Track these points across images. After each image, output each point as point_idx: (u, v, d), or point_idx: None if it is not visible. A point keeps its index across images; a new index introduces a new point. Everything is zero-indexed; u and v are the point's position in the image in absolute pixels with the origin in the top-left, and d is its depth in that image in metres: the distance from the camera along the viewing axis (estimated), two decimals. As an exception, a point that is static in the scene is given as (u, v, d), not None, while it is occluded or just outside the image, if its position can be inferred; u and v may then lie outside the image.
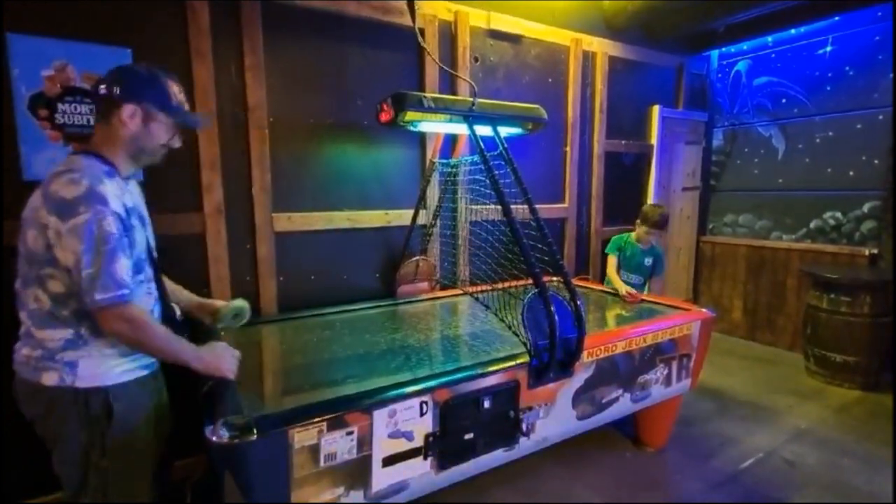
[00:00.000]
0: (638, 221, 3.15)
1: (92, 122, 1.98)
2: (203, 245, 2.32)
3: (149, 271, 1.43)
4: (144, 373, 1.42)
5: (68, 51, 1.95)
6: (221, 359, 1.45)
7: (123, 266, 1.24)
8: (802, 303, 3.85)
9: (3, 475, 2.02)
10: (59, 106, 1.96)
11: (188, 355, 1.37)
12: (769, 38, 4.19)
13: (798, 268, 4.04)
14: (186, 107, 1.43)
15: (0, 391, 1.91)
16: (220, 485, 1.43)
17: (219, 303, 1.78)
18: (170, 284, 1.67)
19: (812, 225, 4.05)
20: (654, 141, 4.15)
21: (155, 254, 1.50)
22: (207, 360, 1.41)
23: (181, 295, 1.75)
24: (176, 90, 1.39)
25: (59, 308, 1.28)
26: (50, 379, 1.29)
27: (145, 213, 1.50)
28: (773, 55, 4.21)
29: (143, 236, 1.40)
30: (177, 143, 1.44)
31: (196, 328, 1.74)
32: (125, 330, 1.26)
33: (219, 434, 1.25)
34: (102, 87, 1.31)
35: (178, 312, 1.60)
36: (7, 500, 2.03)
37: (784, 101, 4.16)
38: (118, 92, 1.30)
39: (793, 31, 4.00)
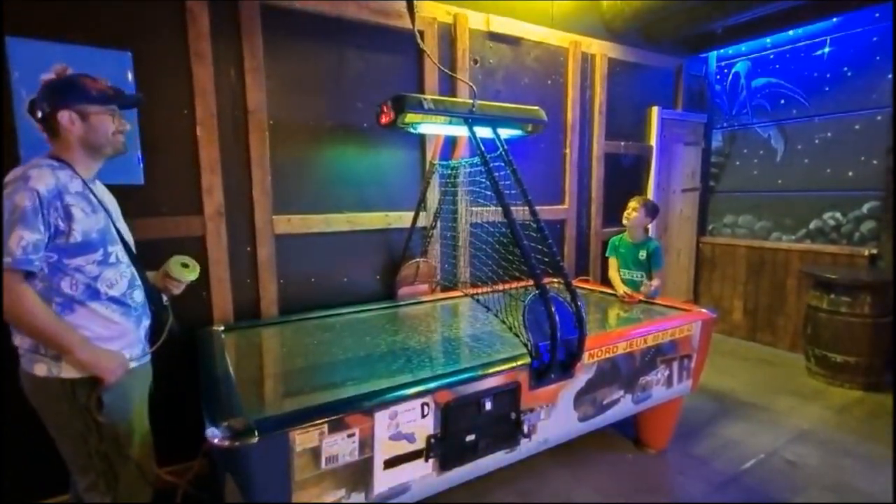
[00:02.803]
0: (625, 213, 3.13)
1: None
2: (203, 248, 2.32)
3: (121, 255, 1.48)
4: (132, 364, 1.48)
5: (68, 54, 1.95)
6: (110, 361, 1.39)
7: (22, 237, 1.24)
8: (803, 303, 3.85)
9: (12, 476, 2.02)
10: (60, 109, 1.96)
11: (72, 342, 1.32)
12: (767, 40, 4.21)
13: (798, 268, 4.04)
14: (110, 91, 1.46)
15: (1, 394, 1.92)
16: (221, 487, 1.43)
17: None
18: None
19: (812, 225, 4.05)
20: (653, 142, 4.16)
21: (132, 246, 1.57)
22: (100, 355, 1.37)
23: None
24: (90, 81, 1.43)
25: None
26: (40, 370, 1.35)
27: (115, 210, 1.57)
28: (772, 56, 4.22)
29: (103, 223, 1.44)
30: (126, 126, 1.51)
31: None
32: None
33: (220, 436, 1.24)
34: (38, 113, 1.39)
35: (164, 299, 1.67)
36: (17, 501, 2.04)
37: (783, 102, 4.17)
38: (47, 108, 1.38)
39: (791, 32, 4.01)
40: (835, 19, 3.75)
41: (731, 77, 4.55)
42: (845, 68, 3.78)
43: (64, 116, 1.37)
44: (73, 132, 1.39)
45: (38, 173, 1.29)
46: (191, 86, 2.23)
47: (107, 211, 1.48)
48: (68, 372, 1.35)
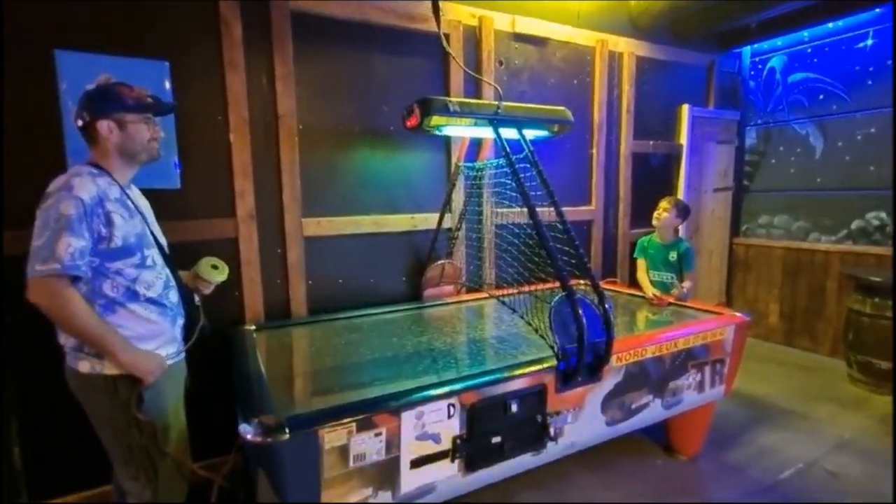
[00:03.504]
0: (656, 213, 3.06)
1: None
2: (236, 249, 2.39)
3: (156, 258, 1.54)
4: (168, 362, 1.54)
5: (112, 65, 2.04)
6: (148, 362, 1.44)
7: (69, 244, 1.29)
8: (843, 307, 3.69)
9: (37, 471, 2.11)
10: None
11: (114, 343, 1.37)
12: (805, 33, 4.05)
13: (839, 270, 3.88)
14: (148, 99, 1.51)
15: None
16: (253, 483, 1.47)
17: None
18: None
19: (853, 226, 3.88)
20: (683, 141, 4.06)
21: (165, 248, 1.62)
22: (139, 356, 1.42)
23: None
24: (126, 90, 1.47)
25: None
26: (84, 367, 1.42)
27: (149, 214, 1.62)
28: (810, 50, 4.06)
29: (140, 228, 1.50)
30: (160, 134, 1.56)
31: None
32: (44, 302, 1.29)
33: (253, 432, 1.28)
34: (78, 121, 1.45)
35: (196, 299, 1.72)
36: (43, 496, 2.13)
37: (822, 97, 4.01)
38: (87, 117, 1.43)
39: (830, 25, 3.86)
40: (878, 10, 3.59)
41: (766, 72, 4.40)
42: (889, 61, 3.60)
43: (103, 126, 1.43)
44: (111, 140, 1.45)
45: (80, 182, 1.35)
46: (224, 93, 2.31)
47: (142, 215, 1.54)
48: (110, 369, 1.41)
